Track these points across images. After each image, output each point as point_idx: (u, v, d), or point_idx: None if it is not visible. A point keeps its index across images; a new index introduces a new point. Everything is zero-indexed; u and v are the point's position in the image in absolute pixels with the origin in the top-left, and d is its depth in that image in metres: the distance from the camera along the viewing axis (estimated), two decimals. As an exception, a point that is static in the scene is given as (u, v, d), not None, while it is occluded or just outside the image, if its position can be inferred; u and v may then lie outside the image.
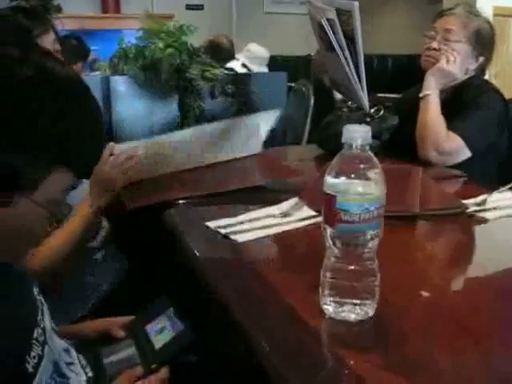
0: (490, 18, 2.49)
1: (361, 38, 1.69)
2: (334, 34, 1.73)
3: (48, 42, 1.53)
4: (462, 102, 1.93)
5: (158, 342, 1.06)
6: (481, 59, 1.98)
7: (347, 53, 1.75)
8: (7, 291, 0.86)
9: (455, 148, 1.86)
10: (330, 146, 1.89)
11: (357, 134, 0.81)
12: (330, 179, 0.82)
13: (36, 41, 1.46)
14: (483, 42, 1.96)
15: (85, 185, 1.36)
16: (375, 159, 0.82)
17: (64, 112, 0.77)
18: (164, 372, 1.00)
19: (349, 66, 1.78)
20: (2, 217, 0.76)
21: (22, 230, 0.81)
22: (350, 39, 1.73)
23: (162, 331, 1.07)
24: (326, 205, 0.83)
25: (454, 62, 1.89)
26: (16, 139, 0.73)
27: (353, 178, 0.81)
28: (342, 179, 0.81)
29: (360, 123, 1.87)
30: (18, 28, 0.77)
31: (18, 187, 0.75)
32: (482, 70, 2.02)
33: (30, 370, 0.81)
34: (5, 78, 0.73)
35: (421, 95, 1.91)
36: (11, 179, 0.74)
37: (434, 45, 1.96)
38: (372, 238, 0.83)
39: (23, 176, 0.74)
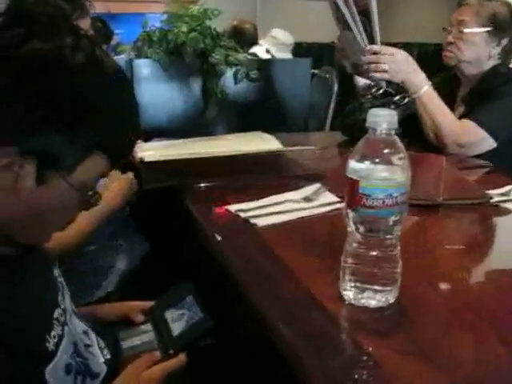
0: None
1: (376, 10, 1.68)
2: (347, 8, 1.72)
3: (84, 26, 1.53)
4: (486, 90, 1.91)
5: (177, 328, 1.06)
6: (503, 42, 1.95)
7: (360, 25, 1.73)
8: (30, 271, 0.87)
9: (476, 139, 1.83)
10: (353, 132, 1.87)
11: (382, 118, 0.80)
12: (353, 163, 0.81)
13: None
14: (501, 24, 1.93)
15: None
16: (400, 144, 0.81)
17: (109, 100, 0.79)
18: (181, 358, 1.00)
19: (362, 36, 1.76)
20: (36, 194, 0.77)
21: (52, 209, 0.82)
22: (367, 16, 1.72)
23: (181, 318, 1.07)
24: (349, 189, 0.82)
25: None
26: (61, 121, 0.75)
27: (377, 163, 0.80)
28: (366, 163, 0.80)
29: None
30: (63, 14, 0.79)
31: (56, 167, 0.77)
32: (507, 52, 1.99)
33: (51, 348, 0.82)
34: (59, 64, 0.75)
35: (415, 96, 1.86)
36: (51, 158, 0.76)
37: (450, 39, 1.96)
38: (395, 224, 0.82)
39: (62, 157, 0.76)
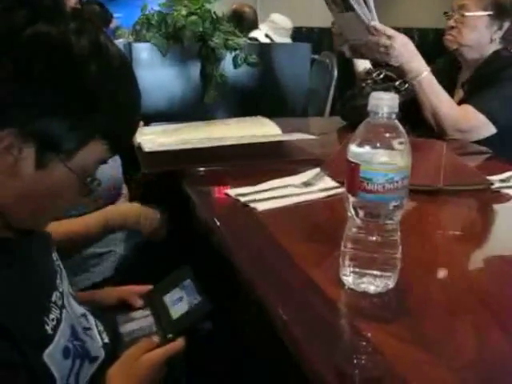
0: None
1: None
2: None
3: (70, 3, 1.52)
4: (487, 75, 1.91)
5: (176, 312, 1.06)
6: (506, 25, 1.94)
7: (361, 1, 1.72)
8: (29, 254, 0.87)
9: (476, 124, 1.83)
10: (353, 118, 1.86)
11: (383, 102, 0.79)
12: (354, 147, 0.81)
13: None
14: (503, 8, 1.92)
15: (111, 162, 1.37)
16: (401, 128, 0.80)
17: (111, 87, 0.79)
18: (180, 342, 1.00)
19: (363, 12, 1.74)
20: (36, 178, 0.78)
21: (50, 194, 0.82)
22: None
23: (179, 301, 1.07)
24: (350, 173, 0.81)
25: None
26: (63, 106, 0.75)
27: (378, 147, 0.79)
28: (367, 148, 0.79)
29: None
30: None
31: (56, 152, 0.77)
32: (509, 36, 1.98)
33: (49, 331, 0.82)
34: (63, 48, 0.75)
35: (414, 81, 1.83)
36: (51, 143, 0.76)
37: (451, 23, 1.95)
38: (395, 209, 0.81)
39: (63, 141, 0.77)
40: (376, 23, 1.76)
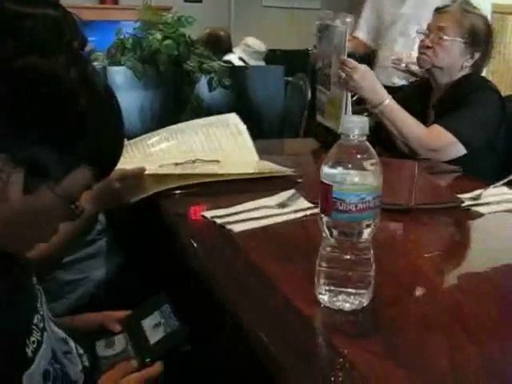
0: (489, 15, 2.50)
1: None
2: None
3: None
4: (457, 98, 1.94)
5: (153, 337, 1.07)
6: (476, 55, 1.99)
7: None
8: (10, 276, 0.87)
9: (444, 144, 1.86)
10: (326, 139, 1.90)
11: (354, 125, 0.81)
12: (326, 169, 0.83)
13: None
14: (478, 38, 1.97)
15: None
16: (372, 150, 0.83)
17: (97, 116, 0.81)
18: (158, 366, 1.01)
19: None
20: (24, 202, 0.79)
21: (38, 218, 0.83)
22: None
23: (157, 326, 1.08)
24: (323, 194, 0.83)
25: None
26: (51, 134, 0.77)
27: (349, 168, 0.82)
28: (339, 169, 0.82)
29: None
30: (58, 30, 0.81)
31: (44, 177, 0.78)
32: (478, 66, 2.03)
33: (29, 354, 0.82)
34: (52, 80, 0.76)
35: (376, 111, 1.88)
36: (39, 169, 0.77)
37: (427, 43, 1.98)
38: (367, 228, 0.84)
39: (50, 168, 0.78)
40: (341, 57, 1.81)
